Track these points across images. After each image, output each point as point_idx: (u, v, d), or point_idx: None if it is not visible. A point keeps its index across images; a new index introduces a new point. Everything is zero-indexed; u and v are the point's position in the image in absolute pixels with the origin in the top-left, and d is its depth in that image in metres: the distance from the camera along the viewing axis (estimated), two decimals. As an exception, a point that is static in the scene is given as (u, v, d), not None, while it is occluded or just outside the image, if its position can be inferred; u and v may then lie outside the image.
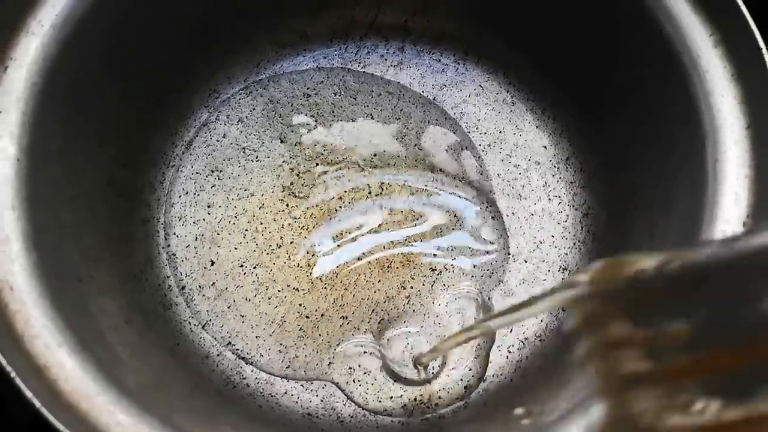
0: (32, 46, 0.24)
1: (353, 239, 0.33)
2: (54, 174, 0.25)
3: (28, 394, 0.18)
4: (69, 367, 0.20)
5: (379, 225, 0.33)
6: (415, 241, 0.33)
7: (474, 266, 0.33)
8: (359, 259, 0.32)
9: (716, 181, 0.24)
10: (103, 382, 0.20)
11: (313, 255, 0.32)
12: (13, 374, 0.19)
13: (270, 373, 0.30)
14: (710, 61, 0.25)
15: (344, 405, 0.30)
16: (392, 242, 0.33)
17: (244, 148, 0.34)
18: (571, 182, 0.34)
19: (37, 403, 0.18)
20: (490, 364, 0.31)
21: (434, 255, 0.33)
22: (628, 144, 0.31)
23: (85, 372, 0.21)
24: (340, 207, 0.33)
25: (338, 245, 0.33)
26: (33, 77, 0.24)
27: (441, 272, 0.32)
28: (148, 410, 0.20)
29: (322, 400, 0.30)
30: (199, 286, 0.31)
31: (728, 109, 0.24)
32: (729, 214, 0.23)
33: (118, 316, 0.26)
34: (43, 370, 0.20)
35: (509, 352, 0.31)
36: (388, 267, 0.32)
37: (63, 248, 0.24)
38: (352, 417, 0.30)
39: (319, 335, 0.31)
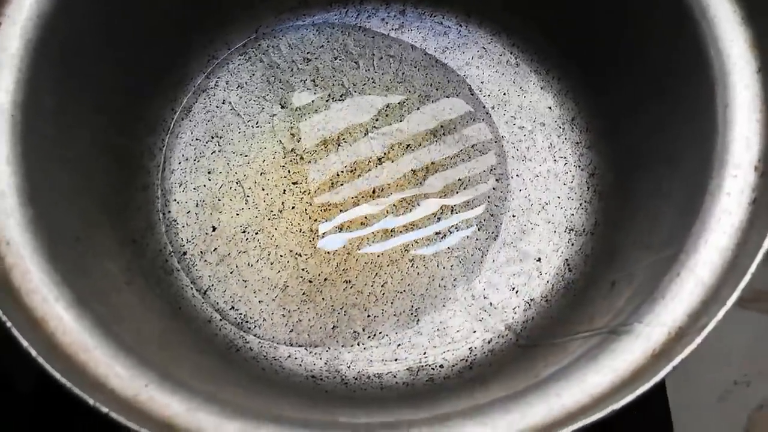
0: (26, 2, 0.24)
1: (356, 204, 0.32)
2: (49, 133, 0.25)
3: (25, 343, 0.18)
4: (66, 320, 0.20)
5: (382, 189, 0.33)
6: (419, 205, 0.32)
7: (478, 228, 0.32)
8: (362, 223, 0.32)
9: (726, 127, 0.23)
10: (101, 336, 0.20)
11: (315, 220, 0.32)
12: (9, 324, 0.18)
13: (273, 338, 0.30)
14: (719, 6, 0.24)
15: (348, 367, 0.30)
16: (395, 206, 0.32)
17: (244, 114, 0.33)
18: (577, 143, 0.33)
19: (34, 353, 0.18)
20: (495, 325, 0.30)
21: (438, 219, 0.32)
22: (635, 102, 0.30)
23: (83, 326, 0.20)
24: (342, 171, 0.33)
25: (341, 210, 0.32)
26: (27, 34, 0.24)
27: (445, 236, 0.32)
28: (147, 364, 0.20)
29: (325, 363, 0.30)
30: (201, 252, 0.31)
31: (738, 53, 0.24)
32: (740, 159, 0.23)
33: (118, 277, 0.26)
34: (41, 323, 0.20)
35: (515, 313, 0.31)
36: (391, 231, 0.32)
37: (60, 207, 0.24)
38: (356, 379, 0.29)
39: (323, 299, 0.31)
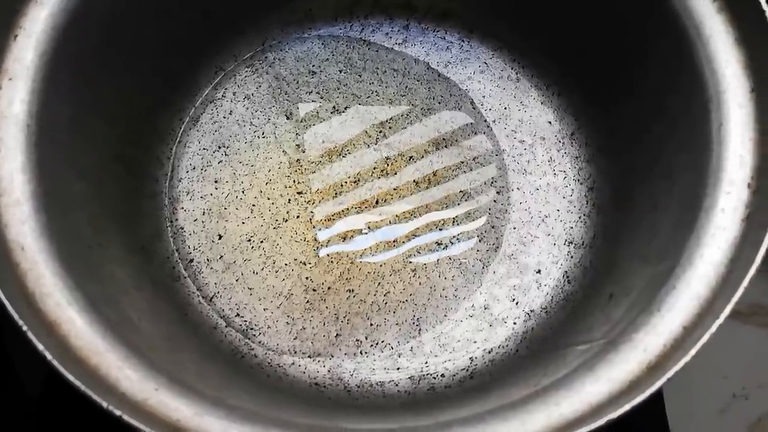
0: (41, 15, 0.25)
1: (358, 214, 0.33)
2: (63, 143, 0.25)
3: (40, 347, 0.19)
4: (79, 324, 0.21)
5: (385, 199, 0.33)
6: (421, 215, 0.33)
7: (479, 240, 0.33)
8: (364, 233, 0.33)
9: (720, 146, 0.24)
10: (112, 339, 0.21)
11: (319, 229, 0.32)
12: (25, 328, 0.19)
13: (278, 346, 0.30)
14: (714, 27, 0.25)
15: (351, 375, 0.30)
16: (398, 217, 0.33)
17: (250, 125, 0.34)
18: (576, 157, 0.34)
19: (49, 356, 0.19)
20: (495, 336, 0.31)
21: (440, 229, 0.33)
22: (633, 117, 0.31)
23: (95, 330, 0.21)
24: (347, 182, 0.33)
25: (344, 219, 0.33)
26: (42, 46, 0.25)
27: (447, 246, 0.32)
28: (156, 368, 0.21)
29: (329, 371, 0.30)
30: (207, 260, 0.32)
31: (732, 73, 0.24)
32: (734, 176, 0.23)
33: (128, 283, 0.26)
34: (54, 326, 0.20)
35: (514, 323, 0.31)
36: (393, 241, 0.32)
37: (72, 215, 0.24)
38: (358, 387, 0.30)
39: (326, 308, 0.31)
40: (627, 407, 0.19)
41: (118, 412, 0.18)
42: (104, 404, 0.18)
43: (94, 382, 0.19)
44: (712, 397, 0.35)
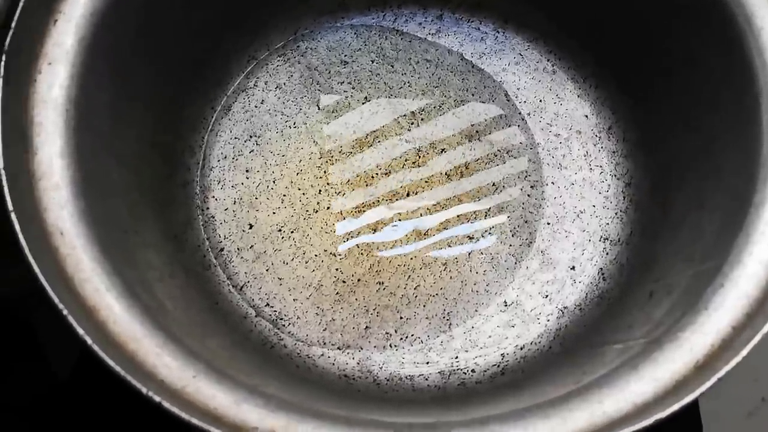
0: (81, 0, 0.25)
1: (389, 205, 0.33)
2: (100, 128, 0.25)
3: (81, 332, 0.19)
4: (117, 310, 0.21)
5: (416, 191, 0.33)
6: (452, 209, 0.33)
7: (512, 234, 0.32)
8: (394, 225, 0.32)
9: (772, 140, 0.23)
10: (149, 326, 0.21)
11: (349, 221, 0.32)
12: (65, 312, 0.19)
13: (307, 336, 0.30)
14: (765, 17, 0.24)
15: (380, 368, 0.30)
16: (429, 210, 0.33)
17: (281, 114, 0.34)
18: (613, 152, 0.33)
19: (89, 341, 0.18)
20: (527, 332, 0.31)
21: (471, 222, 0.32)
22: (675, 112, 0.30)
23: (132, 316, 0.21)
24: (377, 174, 0.33)
25: (374, 210, 0.32)
26: (81, 31, 0.24)
27: (478, 240, 0.32)
28: (193, 355, 0.21)
29: (358, 363, 0.30)
30: (238, 249, 0.32)
31: (785, 65, 0.24)
32: (786, 172, 0.22)
33: (163, 270, 0.26)
34: (93, 312, 0.20)
35: (548, 320, 0.31)
36: (425, 234, 0.32)
37: (110, 200, 0.24)
38: (388, 380, 0.30)
39: (356, 300, 0.31)
40: (676, 407, 0.18)
41: (157, 399, 0.18)
42: (144, 390, 0.18)
43: (133, 368, 0.19)
44: (742, 399, 0.35)
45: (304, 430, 0.19)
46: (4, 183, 0.21)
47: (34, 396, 0.32)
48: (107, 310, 0.20)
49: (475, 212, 0.33)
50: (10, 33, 0.22)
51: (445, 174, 0.33)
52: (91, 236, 0.22)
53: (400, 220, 0.32)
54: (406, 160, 0.33)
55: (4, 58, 0.22)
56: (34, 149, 0.22)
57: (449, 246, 0.32)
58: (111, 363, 0.18)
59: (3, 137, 0.21)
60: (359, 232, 0.32)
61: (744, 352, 0.19)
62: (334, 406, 0.22)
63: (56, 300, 0.19)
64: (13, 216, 0.20)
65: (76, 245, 0.21)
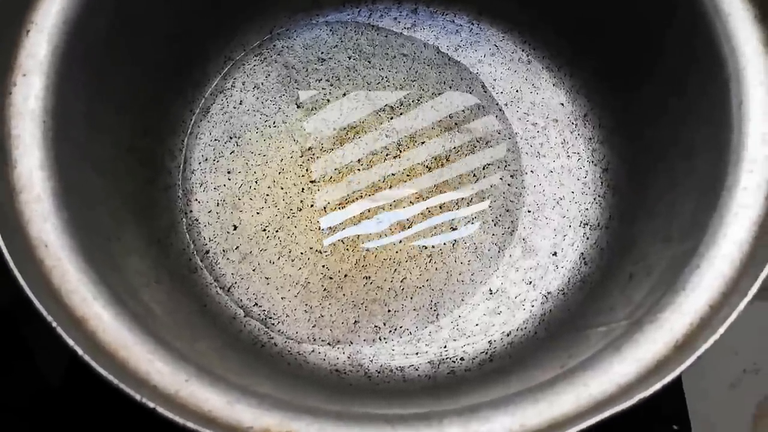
0: (53, 9, 0.24)
1: (371, 198, 0.33)
2: (78, 137, 0.25)
3: (71, 343, 0.19)
4: (106, 318, 0.21)
5: (398, 184, 0.33)
6: (434, 200, 0.33)
7: (494, 224, 0.33)
8: (377, 217, 0.33)
9: (741, 124, 0.24)
10: (139, 333, 0.21)
11: (333, 217, 0.32)
12: (54, 324, 0.19)
13: (297, 334, 0.31)
14: (732, 4, 0.25)
15: (370, 361, 0.30)
16: (411, 202, 0.33)
17: (261, 114, 0.34)
18: (590, 138, 0.34)
19: (80, 351, 0.19)
20: (513, 318, 0.31)
21: (453, 211, 0.33)
22: (648, 97, 0.30)
23: (121, 323, 0.21)
24: (359, 169, 0.33)
25: (356, 205, 0.33)
26: (54, 40, 0.24)
27: (461, 228, 0.32)
28: (184, 359, 0.21)
29: (348, 357, 0.30)
30: (223, 250, 0.32)
31: (752, 51, 0.24)
32: (755, 154, 0.23)
33: (148, 275, 0.26)
34: (82, 322, 0.20)
35: (532, 306, 0.31)
36: (408, 227, 0.32)
37: (91, 209, 0.24)
38: (379, 372, 0.30)
39: (343, 295, 0.31)
40: (658, 386, 0.19)
41: (152, 405, 0.18)
42: (138, 397, 0.18)
43: (125, 375, 0.19)
44: (724, 372, 0.36)
45: (298, 427, 0.20)
46: (-15, 198, 0.21)
47: (26, 403, 0.31)
48: (96, 319, 0.20)
49: (456, 201, 0.33)
50: (-18, 46, 0.22)
51: (426, 165, 0.33)
52: (75, 246, 0.22)
53: (383, 211, 0.33)
54: (386, 154, 0.34)
55: (-23, 71, 0.22)
56: (13, 162, 0.22)
57: (433, 236, 0.32)
58: (103, 372, 0.18)
59: (-19, 151, 0.21)
60: (344, 227, 0.32)
61: (721, 330, 0.20)
62: (327, 402, 0.23)
63: (44, 312, 0.19)
64: (-5, 230, 0.20)
65: (61, 256, 0.21)
